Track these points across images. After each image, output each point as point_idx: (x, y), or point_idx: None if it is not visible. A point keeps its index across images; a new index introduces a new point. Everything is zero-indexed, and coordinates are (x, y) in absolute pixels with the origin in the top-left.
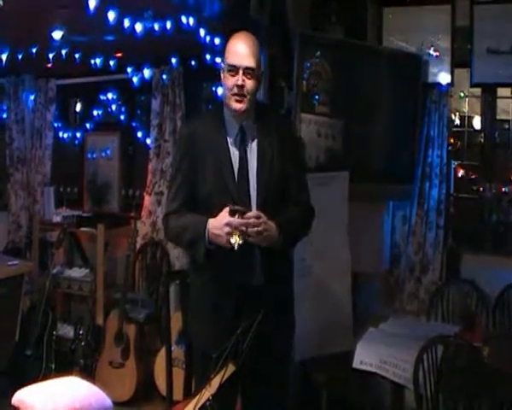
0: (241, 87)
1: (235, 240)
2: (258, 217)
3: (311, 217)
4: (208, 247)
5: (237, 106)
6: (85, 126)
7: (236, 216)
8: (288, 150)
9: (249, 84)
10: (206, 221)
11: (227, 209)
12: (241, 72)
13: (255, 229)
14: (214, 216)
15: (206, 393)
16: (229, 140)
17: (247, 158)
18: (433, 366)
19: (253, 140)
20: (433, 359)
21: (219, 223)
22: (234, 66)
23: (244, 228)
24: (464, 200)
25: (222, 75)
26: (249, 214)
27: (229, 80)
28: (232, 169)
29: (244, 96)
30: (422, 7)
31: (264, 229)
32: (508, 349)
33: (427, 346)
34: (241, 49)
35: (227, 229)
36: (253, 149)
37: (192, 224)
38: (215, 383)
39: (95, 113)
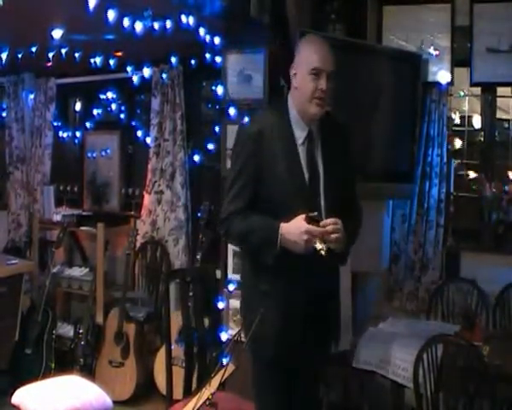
0: (325, 92)
1: (320, 247)
2: (336, 223)
3: (361, 220)
4: (278, 252)
5: (318, 110)
6: (85, 125)
7: (311, 224)
8: (347, 156)
9: (330, 88)
10: (278, 225)
11: (303, 216)
12: (325, 75)
13: (334, 236)
14: (286, 221)
15: (206, 392)
16: (298, 142)
17: (317, 162)
18: (433, 366)
19: (318, 144)
20: (433, 358)
21: (298, 229)
22: (319, 69)
23: (323, 235)
24: (464, 199)
25: (297, 77)
26: (328, 221)
27: (311, 84)
28: (303, 173)
29: (324, 100)
30: (422, 5)
31: (343, 236)
32: (508, 349)
33: (426, 345)
34: (323, 52)
35: (306, 236)
36: (318, 153)
37: (262, 227)
38: (215, 382)
39: (95, 112)
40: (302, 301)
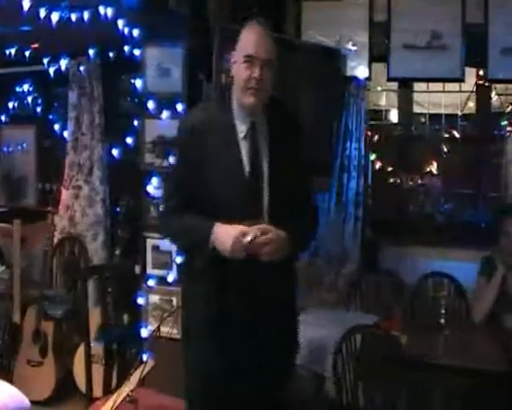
0: (259, 80)
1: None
2: (266, 232)
3: (317, 221)
4: (211, 253)
5: (251, 100)
6: (0, 119)
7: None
8: (297, 149)
9: (267, 77)
10: (212, 225)
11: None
12: (259, 63)
13: (265, 250)
14: (226, 219)
15: (126, 389)
16: (240, 136)
17: (259, 155)
18: (352, 356)
19: (263, 137)
20: (352, 348)
21: (230, 229)
22: (252, 56)
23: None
24: (382, 191)
25: (234, 65)
26: (259, 229)
27: (245, 72)
28: (243, 166)
29: (260, 90)
30: (341, 2)
31: (277, 246)
32: (425, 338)
33: (345, 336)
34: (259, 39)
35: (234, 234)
36: (263, 146)
37: (195, 226)
38: (134, 379)
39: (10, 105)
40: (239, 308)
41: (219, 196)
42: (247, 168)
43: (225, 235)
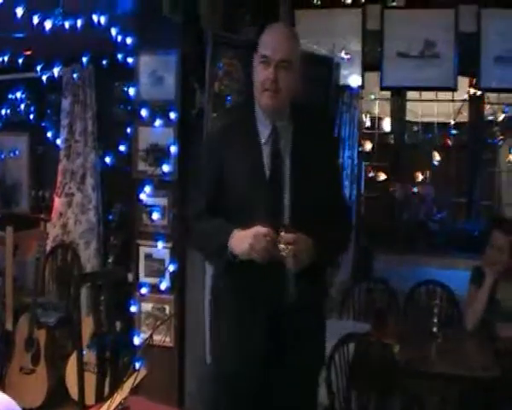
0: (274, 81)
1: (283, 247)
2: (293, 239)
3: (350, 228)
4: (231, 258)
5: (270, 103)
6: None
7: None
8: (326, 153)
9: (284, 78)
10: (232, 229)
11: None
12: (273, 64)
13: (288, 250)
14: (247, 222)
15: (118, 397)
16: (262, 140)
17: (281, 160)
18: (345, 364)
19: (287, 141)
20: (345, 356)
21: (249, 231)
22: (267, 57)
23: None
24: (375, 200)
25: (254, 69)
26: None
27: (261, 73)
28: (264, 170)
29: (276, 91)
30: (334, 10)
31: (302, 253)
32: (418, 346)
33: (339, 344)
34: (275, 40)
35: (253, 235)
36: (287, 150)
37: (217, 230)
38: (127, 387)
39: (3, 112)
40: (262, 314)
41: (240, 201)
42: (267, 172)
43: (242, 237)
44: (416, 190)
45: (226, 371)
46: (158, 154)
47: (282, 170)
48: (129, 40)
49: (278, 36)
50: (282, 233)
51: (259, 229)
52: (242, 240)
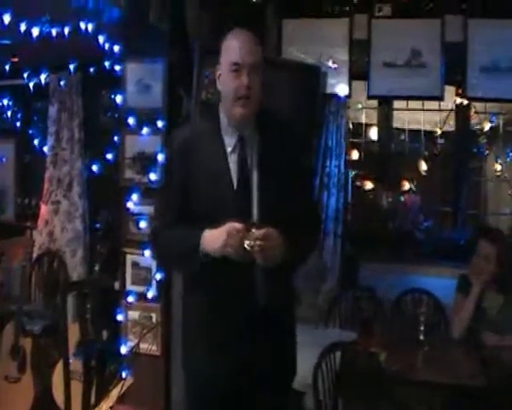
0: (249, 88)
1: (249, 243)
2: (266, 233)
3: (318, 229)
4: (204, 259)
5: (243, 112)
6: None
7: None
8: (293, 157)
9: (256, 84)
10: (202, 231)
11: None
12: (246, 70)
13: (260, 243)
14: (214, 228)
15: (105, 405)
16: (228, 149)
17: (249, 168)
18: (331, 372)
19: (254, 149)
20: (331, 365)
21: (221, 228)
22: (238, 64)
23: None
24: (361, 209)
25: (220, 78)
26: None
27: (233, 81)
28: (231, 179)
29: (250, 98)
30: (321, 19)
31: (275, 248)
32: (404, 354)
33: (325, 352)
34: (245, 45)
35: (226, 230)
36: (254, 158)
37: (185, 235)
38: (113, 395)
39: None
40: (235, 319)
41: (209, 210)
42: (235, 182)
43: (216, 234)
44: (402, 198)
45: (198, 384)
46: (145, 162)
47: (249, 178)
48: (116, 48)
49: (246, 41)
50: (254, 230)
51: (232, 224)
52: (216, 237)
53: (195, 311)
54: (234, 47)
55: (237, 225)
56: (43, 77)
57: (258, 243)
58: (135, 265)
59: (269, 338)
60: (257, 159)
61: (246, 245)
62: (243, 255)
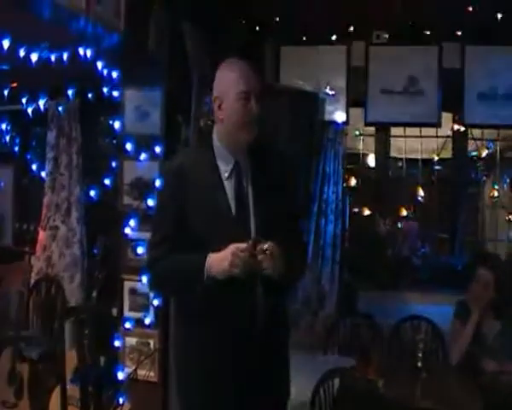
0: (256, 114)
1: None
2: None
3: (306, 256)
4: (207, 282)
5: (248, 137)
6: None
7: None
8: (284, 187)
9: (259, 110)
10: (205, 256)
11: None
12: (253, 98)
13: (264, 256)
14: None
15: None
16: (225, 175)
17: (244, 193)
18: (329, 399)
19: (248, 175)
20: (329, 391)
21: (227, 249)
22: (246, 92)
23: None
24: (359, 235)
25: (222, 107)
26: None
27: (242, 109)
28: (230, 208)
29: (255, 124)
30: (319, 47)
31: (277, 259)
32: (402, 381)
33: (323, 378)
34: (248, 73)
35: (231, 250)
36: (248, 184)
37: (186, 261)
38: None
39: None
40: (233, 344)
41: (207, 238)
42: (233, 207)
43: (221, 256)
44: (400, 224)
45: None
46: (143, 188)
47: (247, 203)
48: (114, 74)
49: (247, 69)
50: (261, 244)
51: (236, 245)
52: (221, 259)
53: (189, 338)
54: (238, 75)
55: (241, 245)
56: (41, 102)
57: (268, 251)
58: (132, 291)
59: (265, 364)
60: (251, 184)
61: (259, 257)
62: (249, 273)
